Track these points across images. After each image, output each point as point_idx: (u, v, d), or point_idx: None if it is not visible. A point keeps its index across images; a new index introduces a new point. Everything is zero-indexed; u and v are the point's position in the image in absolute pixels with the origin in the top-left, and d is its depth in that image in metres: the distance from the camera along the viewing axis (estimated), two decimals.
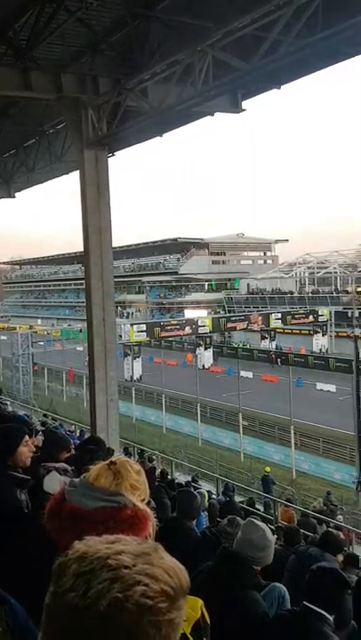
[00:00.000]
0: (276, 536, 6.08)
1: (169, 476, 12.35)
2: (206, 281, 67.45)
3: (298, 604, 2.65)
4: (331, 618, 2.51)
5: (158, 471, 11.25)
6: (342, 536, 9.72)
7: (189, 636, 1.65)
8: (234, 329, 46.93)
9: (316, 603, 2.52)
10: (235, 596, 2.58)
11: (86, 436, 12.16)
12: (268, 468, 18.61)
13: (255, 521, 2.83)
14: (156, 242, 71.63)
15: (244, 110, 10.46)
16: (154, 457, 15.40)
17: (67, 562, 0.75)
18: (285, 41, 7.19)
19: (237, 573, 2.63)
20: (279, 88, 9.50)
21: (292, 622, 2.54)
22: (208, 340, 45.00)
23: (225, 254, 73.41)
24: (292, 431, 21.88)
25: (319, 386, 32.86)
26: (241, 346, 49.29)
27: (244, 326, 45.98)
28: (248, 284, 61.18)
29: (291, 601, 3.10)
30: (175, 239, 68.39)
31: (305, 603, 2.56)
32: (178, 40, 8.98)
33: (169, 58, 9.30)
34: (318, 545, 4.89)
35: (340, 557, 5.96)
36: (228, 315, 50.67)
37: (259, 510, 12.40)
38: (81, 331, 43.39)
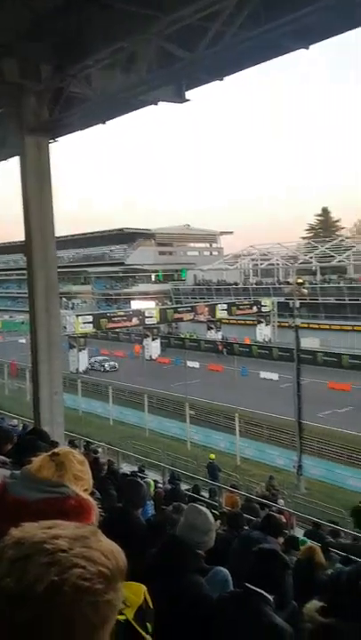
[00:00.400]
0: (219, 521, 6.22)
1: (115, 467, 12.34)
2: (153, 272, 67.38)
3: (241, 586, 2.72)
4: (271, 598, 2.58)
5: (105, 462, 11.22)
6: (284, 519, 10.07)
7: (132, 621, 1.68)
8: (181, 320, 47.26)
9: (257, 584, 2.59)
10: (179, 581, 2.62)
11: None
12: (212, 456, 18.95)
13: (197, 506, 2.89)
14: (102, 232, 70.70)
15: (188, 100, 10.47)
16: (99, 449, 15.31)
17: (3, 548, 0.75)
18: (228, 32, 7.25)
19: (181, 558, 2.68)
20: (222, 79, 9.56)
21: (233, 604, 2.61)
22: (155, 330, 45.07)
23: (172, 245, 73.53)
24: (237, 419, 22.35)
25: (263, 374, 33.73)
26: (188, 336, 49.69)
27: (191, 317, 46.39)
28: (195, 276, 61.64)
29: (234, 584, 3.18)
30: (121, 229, 67.79)
31: (246, 584, 2.62)
32: (122, 27, 8.84)
33: (113, 45, 9.15)
34: (260, 528, 5.03)
35: (282, 540, 6.18)
36: (175, 306, 50.91)
37: (204, 497, 12.63)
38: (23, 322, 42.31)
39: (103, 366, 40.78)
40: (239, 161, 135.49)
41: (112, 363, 41.25)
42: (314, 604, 3.16)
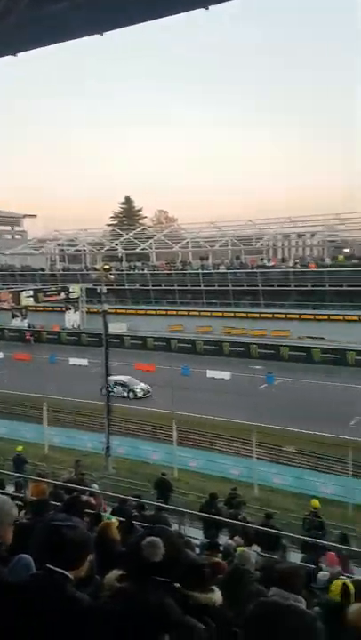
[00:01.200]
0: (24, 511, 6.14)
1: None
2: None
3: (42, 567, 2.72)
4: (71, 575, 2.63)
5: None
6: (93, 501, 10.30)
7: None
8: None
9: (55, 562, 2.62)
10: None
11: None
12: (20, 448, 18.33)
13: None
14: None
15: None
16: None
17: None
18: (16, 8, 6.99)
19: None
20: (15, 55, 9.19)
21: (32, 586, 2.61)
22: None
23: None
24: (45, 408, 21.94)
25: (72, 361, 33.67)
26: None
27: None
28: None
29: (37, 568, 3.17)
30: None
31: (47, 564, 2.64)
32: None
33: None
34: (65, 510, 5.10)
35: (87, 519, 6.36)
36: None
37: (8, 491, 12.18)
38: None
39: (134, 392, 27.52)
40: (47, 141, 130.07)
41: (144, 385, 27.82)
42: (114, 574, 3.36)
